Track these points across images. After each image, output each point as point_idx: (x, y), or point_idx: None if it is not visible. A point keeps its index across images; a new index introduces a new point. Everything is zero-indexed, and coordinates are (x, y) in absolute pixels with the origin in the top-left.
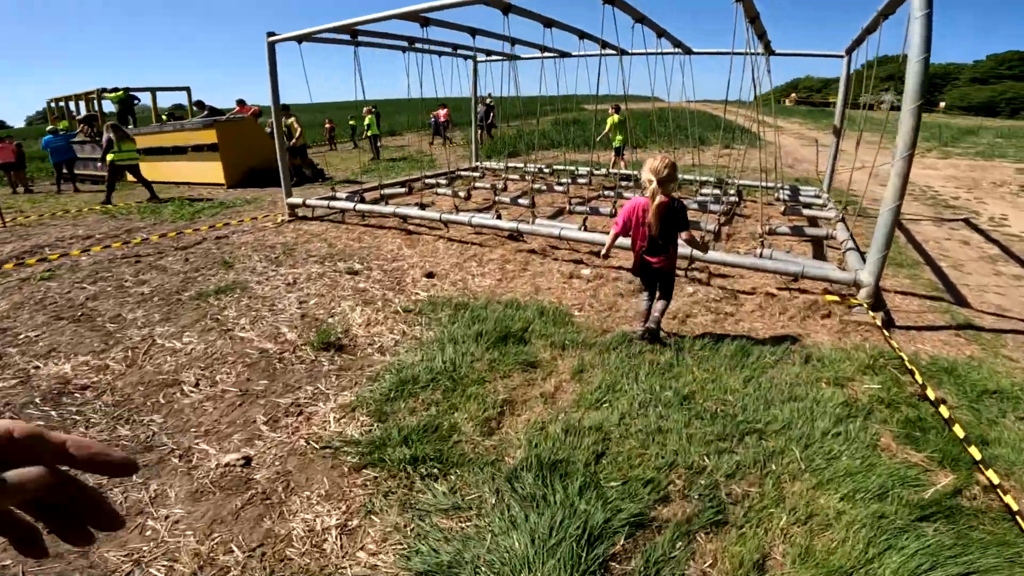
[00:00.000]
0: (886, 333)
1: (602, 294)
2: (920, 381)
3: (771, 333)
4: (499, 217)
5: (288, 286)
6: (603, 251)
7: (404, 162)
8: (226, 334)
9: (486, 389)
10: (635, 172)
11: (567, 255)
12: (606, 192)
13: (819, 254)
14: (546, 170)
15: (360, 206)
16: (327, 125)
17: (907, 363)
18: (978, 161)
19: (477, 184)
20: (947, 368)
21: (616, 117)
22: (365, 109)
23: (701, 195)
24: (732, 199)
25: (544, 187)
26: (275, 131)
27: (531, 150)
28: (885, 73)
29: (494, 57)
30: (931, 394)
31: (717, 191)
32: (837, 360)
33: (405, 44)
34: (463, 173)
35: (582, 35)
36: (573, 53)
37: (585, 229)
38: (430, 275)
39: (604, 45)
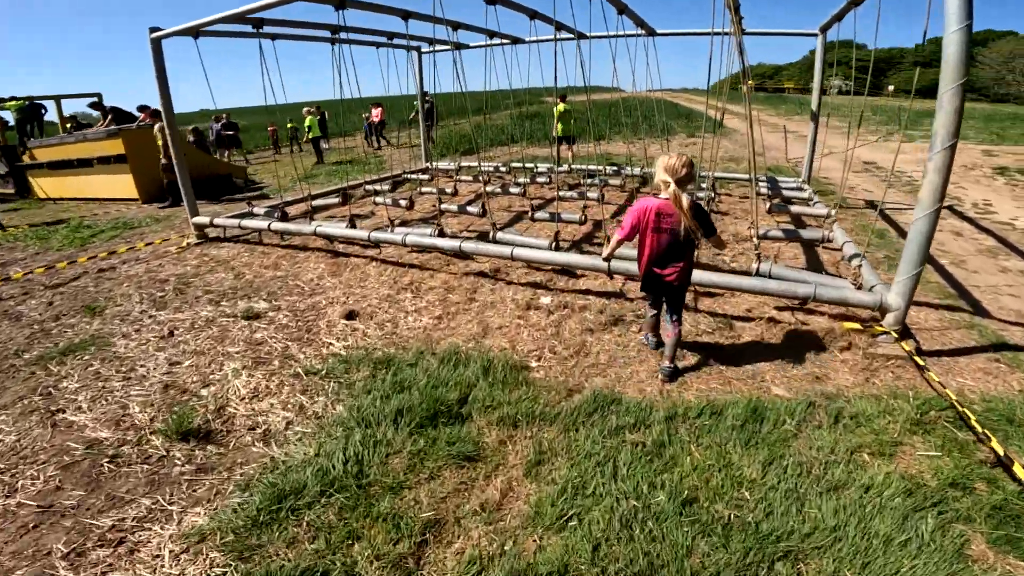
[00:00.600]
0: (931, 376)
1: (567, 330)
2: (999, 451)
3: (782, 377)
4: (441, 232)
5: (161, 340)
6: (604, 253)
7: (349, 166)
8: (52, 417)
9: (403, 502)
10: (590, 167)
11: (524, 275)
12: (568, 193)
13: (814, 260)
14: (503, 168)
15: (277, 225)
16: (269, 129)
17: (971, 420)
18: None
19: (424, 189)
20: (1007, 414)
21: (562, 106)
22: (305, 110)
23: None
24: (707, 194)
25: (499, 189)
26: (167, 141)
27: (489, 147)
28: (843, 58)
29: (440, 47)
30: (1020, 471)
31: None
32: (875, 416)
33: (327, 34)
34: (411, 176)
35: (533, 15)
36: (526, 38)
37: (556, 247)
38: (351, 315)
39: (559, 27)
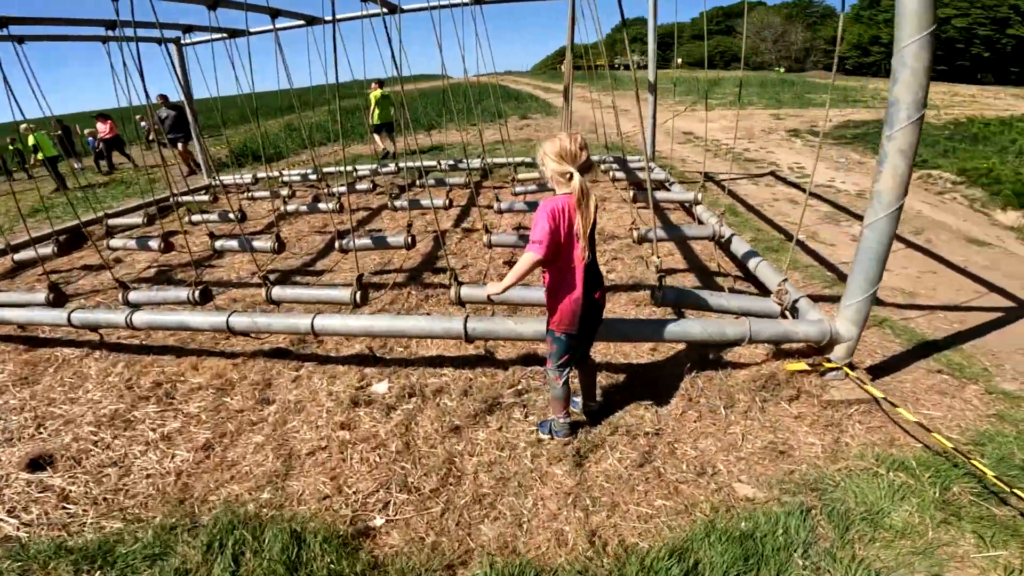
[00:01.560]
0: (906, 417)
1: (421, 438)
2: None
3: (737, 462)
4: (205, 293)
5: None
6: (497, 291)
7: (104, 190)
8: None
9: None
10: (424, 163)
11: (345, 348)
12: (400, 202)
13: (691, 257)
14: (312, 176)
15: None
16: None
17: (1006, 487)
18: (734, 111)
19: (198, 217)
20: (1006, 456)
21: (378, 92)
22: (24, 127)
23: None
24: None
25: (306, 207)
26: None
27: (299, 151)
28: (634, 34)
29: (203, 37)
30: None
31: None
32: (889, 509)
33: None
34: (184, 199)
35: None
36: (324, 18)
37: (359, 299)
38: (40, 463)
39: None
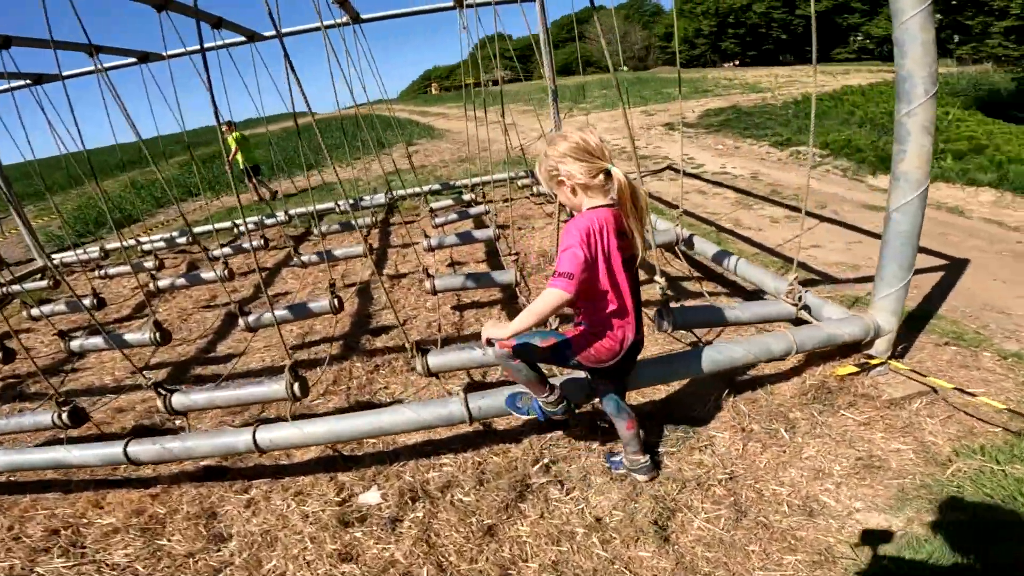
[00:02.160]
0: (1014, 412)
1: (455, 554)
2: None
3: (835, 488)
4: (75, 417)
5: None
6: (504, 336)
7: None
8: None
9: None
10: (310, 207)
11: (300, 453)
12: (308, 256)
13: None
14: (181, 239)
15: None
16: None
17: None
18: (609, 111)
19: (52, 308)
20: None
21: (237, 134)
22: None
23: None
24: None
25: (182, 279)
26: None
27: (152, 211)
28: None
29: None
30: None
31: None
32: None
33: None
34: (14, 289)
35: (161, 6)
36: (163, 54)
37: (298, 392)
38: None
39: (218, 25)
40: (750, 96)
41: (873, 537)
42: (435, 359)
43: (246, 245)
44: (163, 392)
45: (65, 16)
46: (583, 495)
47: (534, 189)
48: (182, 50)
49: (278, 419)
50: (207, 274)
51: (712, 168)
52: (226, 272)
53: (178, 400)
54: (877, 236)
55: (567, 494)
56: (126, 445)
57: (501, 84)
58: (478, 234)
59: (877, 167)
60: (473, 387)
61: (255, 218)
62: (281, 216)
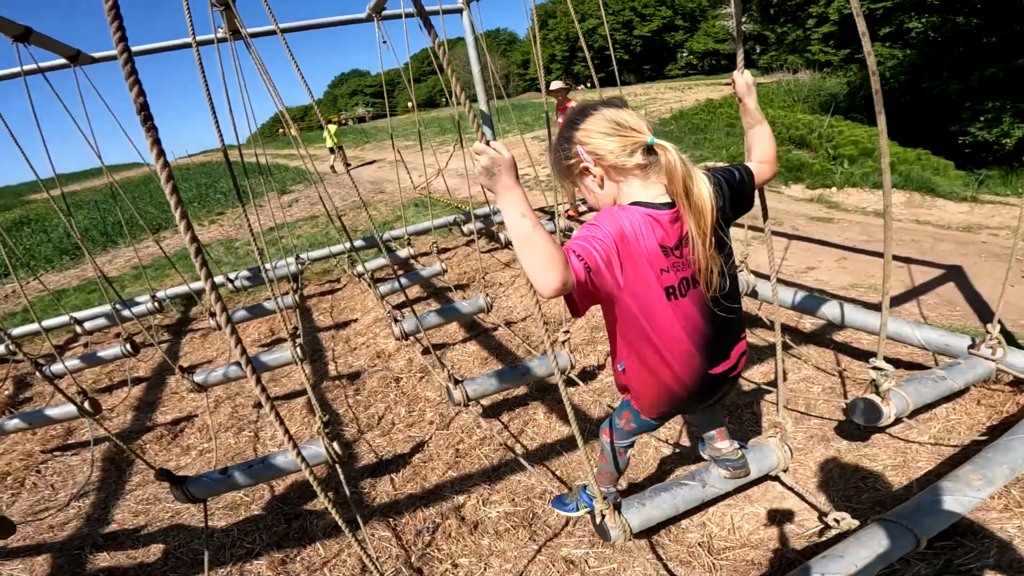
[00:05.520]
0: None
1: None
2: None
3: None
4: None
5: None
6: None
7: None
8: None
9: None
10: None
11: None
12: (194, 378)
13: None
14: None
15: None
16: None
17: None
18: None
19: None
20: None
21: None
22: None
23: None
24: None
25: (17, 420)
26: None
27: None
28: (359, 86)
29: None
30: None
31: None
32: None
33: None
34: None
35: None
36: None
37: None
38: None
39: None
40: None
41: None
42: None
43: (104, 353)
44: None
45: None
46: None
47: (464, 229)
48: None
49: None
50: (54, 410)
51: None
52: (82, 400)
53: None
54: (851, 250)
55: None
56: None
57: (412, 110)
58: (464, 306)
59: (788, 177)
60: None
61: (105, 308)
62: (148, 304)
